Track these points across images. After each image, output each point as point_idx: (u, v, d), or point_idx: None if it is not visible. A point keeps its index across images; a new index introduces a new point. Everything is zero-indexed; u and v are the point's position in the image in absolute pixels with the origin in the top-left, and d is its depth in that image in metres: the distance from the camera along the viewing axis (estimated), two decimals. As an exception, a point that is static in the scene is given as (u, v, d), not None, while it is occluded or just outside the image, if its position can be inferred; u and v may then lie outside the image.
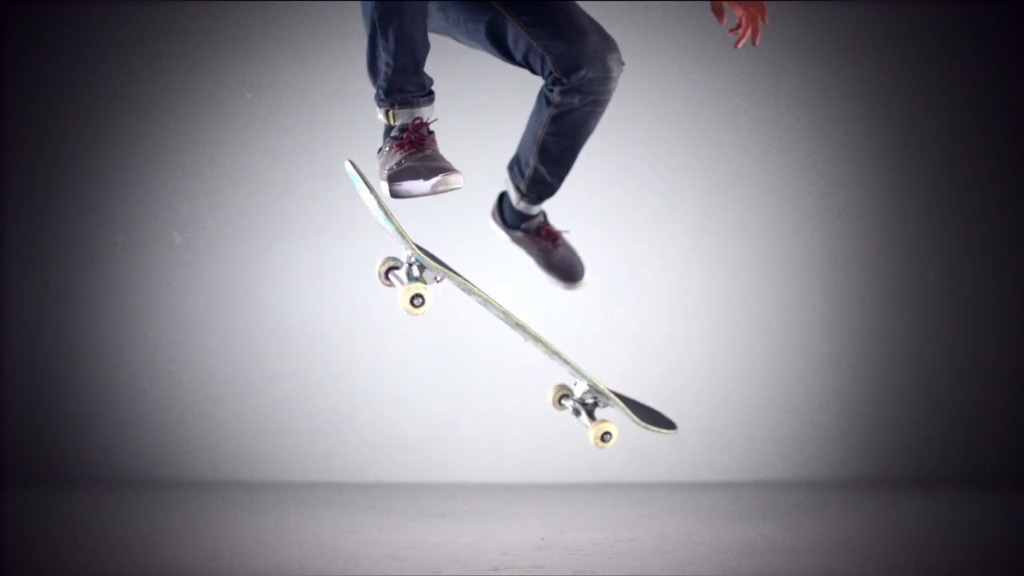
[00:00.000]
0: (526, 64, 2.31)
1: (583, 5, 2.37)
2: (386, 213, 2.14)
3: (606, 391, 2.44)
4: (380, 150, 2.18)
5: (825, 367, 4.02)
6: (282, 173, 4.01)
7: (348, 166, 2.20)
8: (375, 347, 4.02)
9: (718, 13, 2.30)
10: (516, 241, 2.60)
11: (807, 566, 2.00)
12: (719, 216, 4.11)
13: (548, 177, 2.46)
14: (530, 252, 2.60)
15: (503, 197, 2.58)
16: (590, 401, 2.54)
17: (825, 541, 2.37)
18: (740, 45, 2.31)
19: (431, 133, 2.14)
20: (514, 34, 2.27)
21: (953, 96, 4.10)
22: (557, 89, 2.29)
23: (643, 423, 2.48)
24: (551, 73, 2.27)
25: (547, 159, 2.44)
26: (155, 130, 4.07)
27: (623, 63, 2.29)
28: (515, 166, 2.51)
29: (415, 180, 2.05)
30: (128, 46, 4.07)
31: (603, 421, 2.45)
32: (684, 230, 4.11)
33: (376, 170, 2.18)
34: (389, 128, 2.17)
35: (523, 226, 2.56)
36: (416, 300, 2.10)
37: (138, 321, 4.01)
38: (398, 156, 2.12)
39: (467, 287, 2.22)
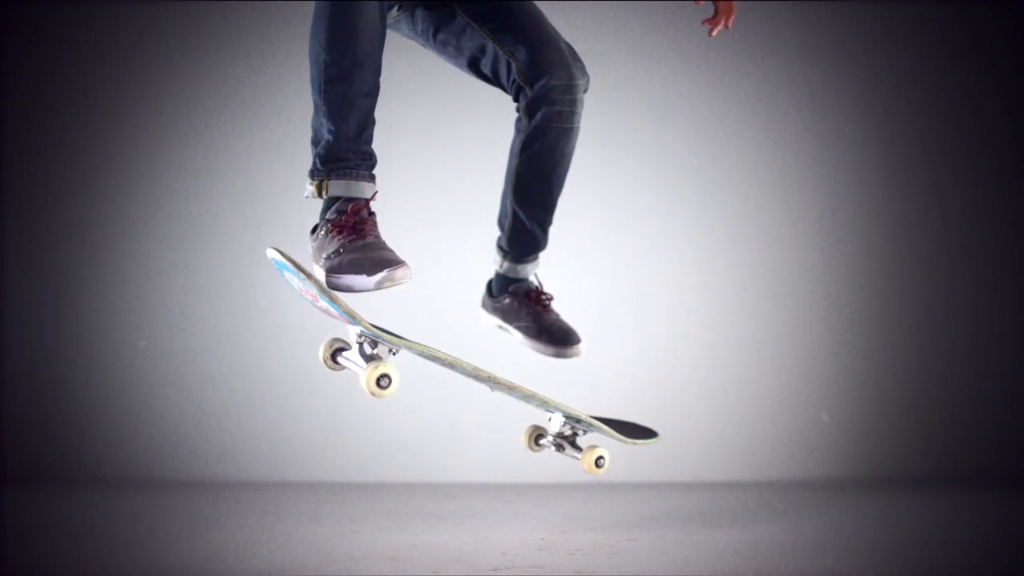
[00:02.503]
0: (493, 75, 2.29)
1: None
2: (331, 298, 1.97)
3: (587, 419, 2.41)
4: (314, 231, 2.02)
5: (825, 367, 4.02)
6: (282, 173, 4.01)
7: (274, 254, 1.97)
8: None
9: None
10: (504, 314, 2.45)
11: (807, 566, 2.00)
12: (719, 216, 4.11)
13: (527, 223, 2.37)
14: (519, 321, 2.43)
15: (490, 283, 2.50)
16: (568, 433, 2.51)
17: (825, 541, 2.37)
18: (715, 33, 2.37)
19: (372, 215, 1.99)
20: (481, 43, 2.26)
21: (954, 96, 4.10)
22: (523, 104, 2.27)
23: (628, 439, 2.45)
24: (515, 81, 2.24)
25: (523, 199, 2.36)
26: (155, 130, 4.07)
27: (588, 75, 2.28)
28: (498, 229, 2.44)
29: (357, 275, 1.87)
30: (128, 46, 4.07)
31: (592, 447, 2.42)
32: (684, 230, 4.11)
33: (309, 252, 2.01)
34: (327, 206, 2.00)
35: (511, 289, 2.44)
36: (383, 381, 1.96)
37: (138, 322, 4.01)
38: (336, 243, 1.94)
39: (431, 353, 2.11)
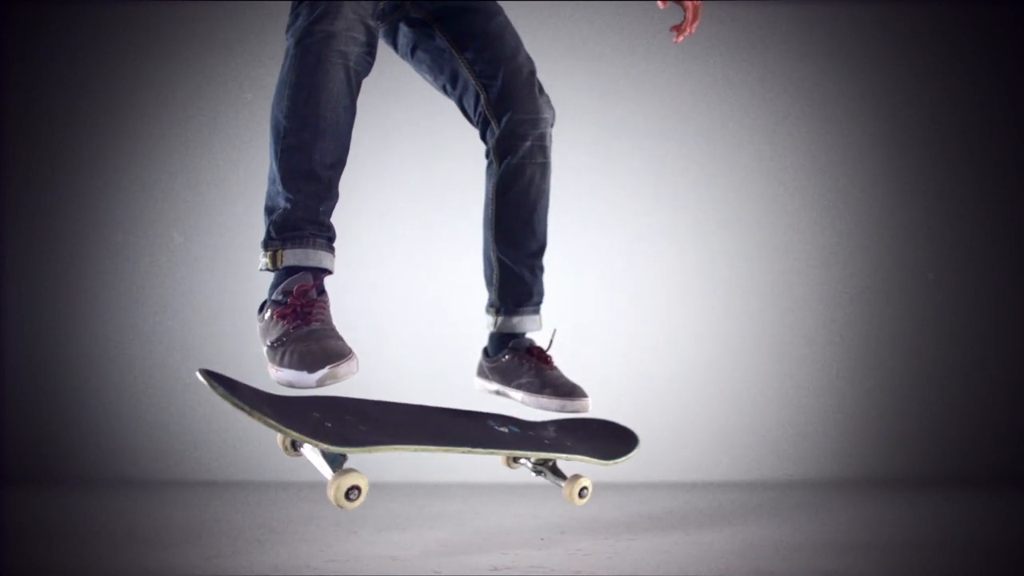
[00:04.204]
0: (460, 105, 2.29)
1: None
2: (274, 427, 1.76)
3: (563, 457, 2.31)
4: (262, 309, 1.93)
5: (825, 367, 4.02)
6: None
7: (204, 378, 1.76)
8: (375, 346, 4.01)
9: None
10: (503, 374, 2.35)
11: (807, 566, 2.00)
12: (719, 216, 4.11)
13: (515, 268, 2.32)
14: (520, 378, 2.32)
15: (485, 348, 2.42)
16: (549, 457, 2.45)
17: (825, 541, 2.37)
18: (681, 39, 2.35)
19: (322, 294, 1.90)
20: (455, 70, 2.25)
21: (954, 95, 4.10)
22: (493, 144, 2.25)
23: (608, 461, 2.37)
24: (482, 113, 2.23)
25: (506, 245, 2.31)
26: (155, 130, 4.07)
27: (553, 109, 2.27)
28: (487, 286, 2.37)
29: (299, 371, 1.77)
30: (128, 46, 4.08)
31: (576, 477, 2.36)
32: (684, 229, 4.11)
33: (257, 331, 1.90)
34: (276, 281, 1.91)
35: (511, 345, 2.35)
36: (352, 494, 1.80)
37: (138, 321, 4.01)
38: (279, 329, 1.84)
39: (398, 452, 1.94)
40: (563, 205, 3.98)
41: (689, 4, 2.32)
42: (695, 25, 2.33)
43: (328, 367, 1.75)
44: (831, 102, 4.11)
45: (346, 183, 2.01)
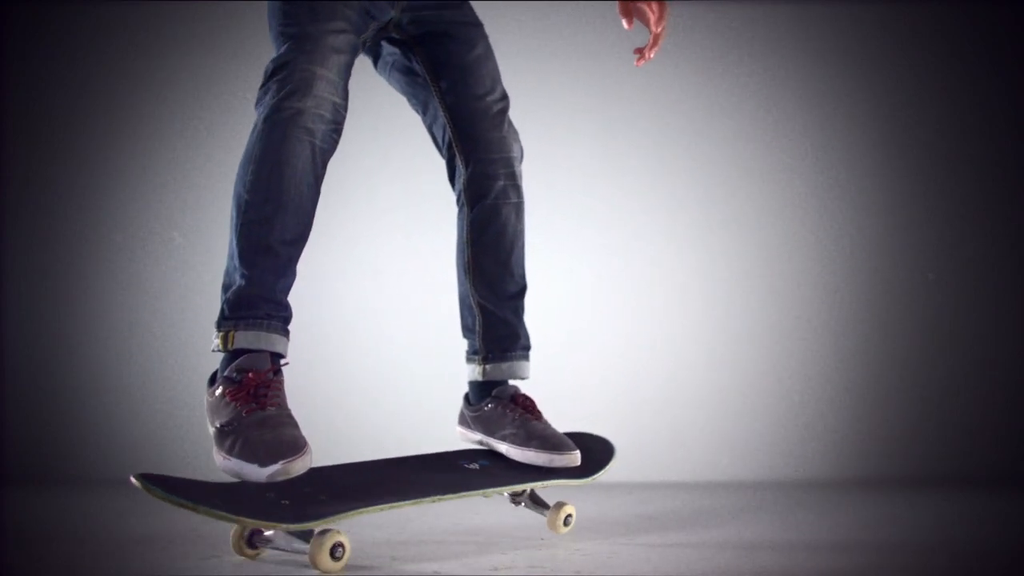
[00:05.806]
0: (430, 134, 2.28)
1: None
2: (230, 519, 1.63)
3: (540, 485, 2.27)
4: (212, 383, 1.85)
5: (824, 367, 4.02)
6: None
7: (135, 483, 1.61)
8: (375, 346, 4.01)
9: (627, 17, 2.28)
10: (486, 423, 2.28)
11: (807, 566, 2.00)
12: (718, 215, 4.11)
13: (498, 312, 2.27)
14: (503, 430, 2.25)
15: (467, 395, 2.37)
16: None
17: (825, 541, 2.37)
18: (642, 64, 2.30)
19: (278, 374, 1.81)
20: (426, 98, 2.24)
21: (954, 95, 4.10)
22: (462, 186, 2.23)
23: (590, 477, 2.30)
24: (449, 144, 2.21)
25: (486, 289, 2.26)
26: (155, 129, 4.07)
27: (521, 145, 2.25)
28: (466, 335, 2.32)
29: (249, 464, 1.66)
30: (128, 46, 4.08)
31: (559, 505, 2.32)
32: (683, 228, 4.11)
33: (204, 405, 1.83)
34: (227, 361, 1.83)
35: (494, 393, 2.28)
36: (337, 552, 1.72)
37: (138, 321, 4.01)
38: (230, 412, 1.74)
39: (368, 512, 1.83)
40: (559, 204, 4.00)
41: (652, 28, 2.29)
42: (654, 51, 2.29)
43: (281, 463, 1.66)
44: (831, 102, 4.10)
45: (332, 188, 2.00)
